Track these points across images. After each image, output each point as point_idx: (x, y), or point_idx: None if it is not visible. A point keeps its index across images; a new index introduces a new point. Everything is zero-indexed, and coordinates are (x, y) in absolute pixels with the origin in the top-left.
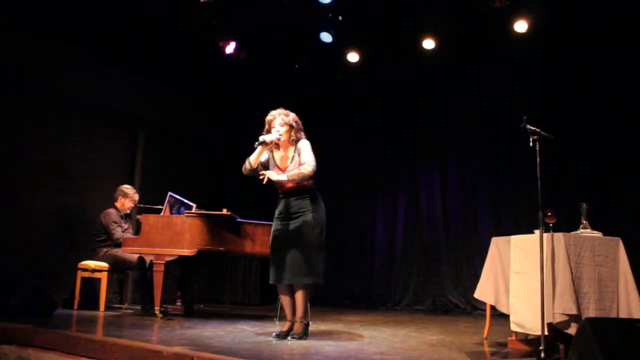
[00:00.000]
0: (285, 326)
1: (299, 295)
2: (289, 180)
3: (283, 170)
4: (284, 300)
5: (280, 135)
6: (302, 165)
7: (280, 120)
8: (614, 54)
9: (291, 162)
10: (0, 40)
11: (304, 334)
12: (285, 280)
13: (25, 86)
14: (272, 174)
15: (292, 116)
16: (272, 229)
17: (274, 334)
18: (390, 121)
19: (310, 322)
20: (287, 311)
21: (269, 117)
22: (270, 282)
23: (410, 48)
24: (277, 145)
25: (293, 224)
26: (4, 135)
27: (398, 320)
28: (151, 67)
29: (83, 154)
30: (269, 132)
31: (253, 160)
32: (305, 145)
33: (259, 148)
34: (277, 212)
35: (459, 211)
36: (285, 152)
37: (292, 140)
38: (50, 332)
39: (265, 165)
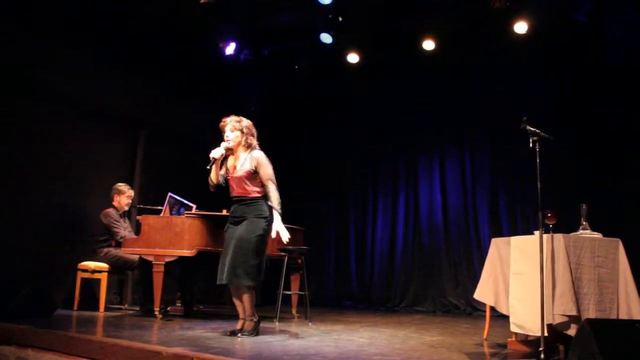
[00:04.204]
0: (238, 324)
1: (242, 296)
2: (277, 211)
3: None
4: (234, 300)
5: (227, 145)
6: (265, 182)
7: (230, 126)
8: (613, 53)
9: (241, 167)
10: (1, 41)
11: (254, 331)
12: (223, 281)
13: (25, 86)
14: (280, 226)
15: (244, 122)
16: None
17: (227, 332)
18: (391, 121)
19: (260, 319)
20: (239, 310)
21: (221, 124)
22: (217, 283)
23: (410, 48)
24: (231, 150)
25: (235, 228)
26: (4, 135)
27: (398, 321)
28: (151, 67)
29: (83, 154)
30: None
31: (213, 177)
32: (263, 160)
33: (214, 167)
34: (230, 215)
35: (459, 212)
36: (236, 157)
37: (244, 145)
38: (49, 333)
39: (225, 176)
